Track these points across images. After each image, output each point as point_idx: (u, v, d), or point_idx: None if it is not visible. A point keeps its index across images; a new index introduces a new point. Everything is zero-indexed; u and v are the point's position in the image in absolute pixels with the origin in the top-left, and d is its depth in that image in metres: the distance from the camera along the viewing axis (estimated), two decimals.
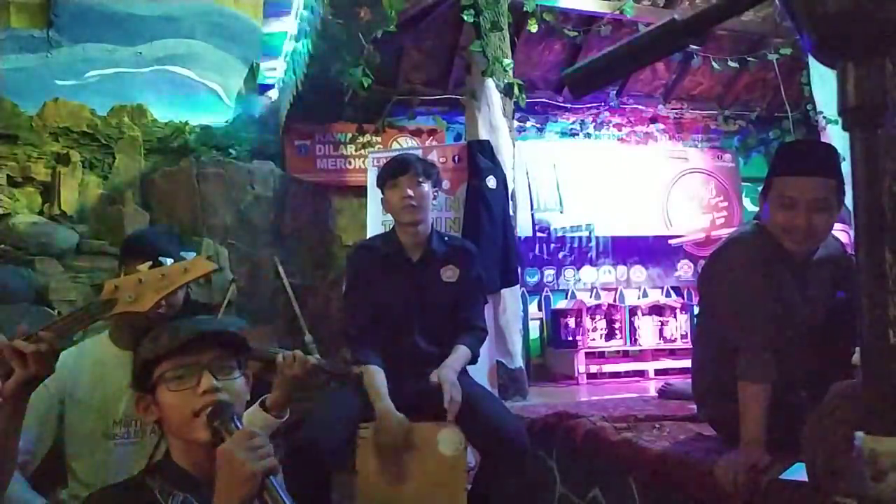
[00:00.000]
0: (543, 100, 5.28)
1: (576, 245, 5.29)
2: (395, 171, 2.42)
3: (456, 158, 3.82)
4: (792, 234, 1.85)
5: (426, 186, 2.41)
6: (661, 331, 5.00)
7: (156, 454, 1.84)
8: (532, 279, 5.16)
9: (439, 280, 2.43)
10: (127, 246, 1.95)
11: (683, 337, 4.93)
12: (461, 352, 2.36)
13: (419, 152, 3.79)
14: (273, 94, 5.83)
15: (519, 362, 3.69)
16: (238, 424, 1.24)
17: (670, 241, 5.20)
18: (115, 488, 1.34)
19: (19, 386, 1.34)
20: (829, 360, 1.85)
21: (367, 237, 3.44)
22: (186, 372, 1.28)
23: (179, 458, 1.30)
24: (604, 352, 4.89)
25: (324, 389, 2.58)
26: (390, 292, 2.41)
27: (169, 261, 1.48)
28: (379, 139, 5.31)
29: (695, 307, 4.69)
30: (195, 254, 1.73)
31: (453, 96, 5.01)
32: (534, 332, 5.13)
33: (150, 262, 1.46)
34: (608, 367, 4.77)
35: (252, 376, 1.50)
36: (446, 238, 2.56)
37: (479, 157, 3.65)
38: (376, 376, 2.26)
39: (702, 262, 4.43)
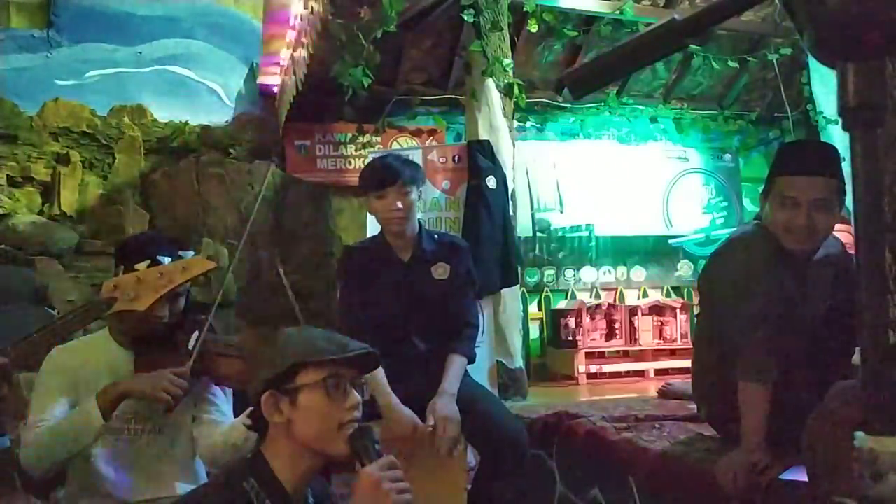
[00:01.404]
0: (543, 100, 5.28)
1: (576, 245, 5.29)
2: (382, 181, 2.34)
3: (456, 158, 3.81)
4: (793, 233, 1.84)
5: (413, 194, 2.36)
6: (661, 331, 4.99)
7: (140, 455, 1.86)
8: (532, 279, 5.15)
9: (431, 279, 2.41)
10: (121, 249, 1.94)
11: (683, 337, 4.92)
12: (456, 365, 2.31)
13: (419, 152, 3.80)
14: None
15: (519, 362, 3.69)
16: (378, 450, 1.25)
17: (670, 241, 5.20)
18: (209, 488, 1.34)
19: None
20: (829, 360, 1.85)
21: (362, 239, 3.41)
22: (340, 383, 1.29)
23: (281, 468, 1.26)
24: (604, 352, 4.88)
25: None
26: (383, 294, 2.39)
27: (167, 260, 1.48)
28: (379, 139, 5.30)
29: (695, 307, 4.69)
30: (193, 254, 1.73)
31: (453, 96, 5.01)
32: (534, 332, 5.12)
33: (148, 262, 1.46)
34: (608, 367, 4.76)
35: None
36: (436, 236, 2.53)
37: (479, 157, 3.65)
38: (377, 372, 2.23)
39: (702, 262, 4.44)
